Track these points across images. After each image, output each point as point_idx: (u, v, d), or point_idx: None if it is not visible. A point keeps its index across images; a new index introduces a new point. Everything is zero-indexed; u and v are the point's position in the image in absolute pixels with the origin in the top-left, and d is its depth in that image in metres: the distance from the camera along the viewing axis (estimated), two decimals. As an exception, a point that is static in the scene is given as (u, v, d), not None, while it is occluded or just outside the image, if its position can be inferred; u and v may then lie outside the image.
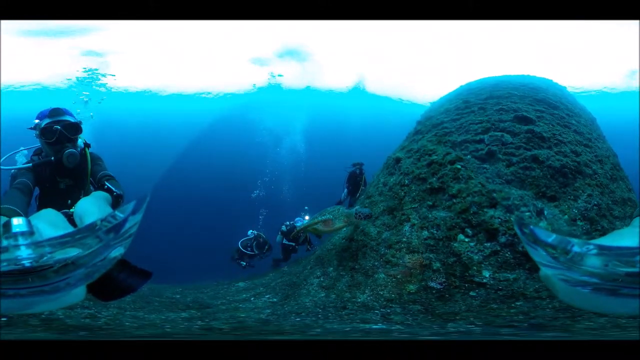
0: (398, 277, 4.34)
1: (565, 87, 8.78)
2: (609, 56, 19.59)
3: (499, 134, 5.65)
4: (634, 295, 0.67)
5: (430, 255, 4.40)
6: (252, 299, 5.37)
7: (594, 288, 0.69)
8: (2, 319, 3.08)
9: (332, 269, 5.12)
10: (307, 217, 10.09)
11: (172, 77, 23.90)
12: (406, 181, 5.39)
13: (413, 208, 4.97)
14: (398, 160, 6.00)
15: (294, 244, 9.61)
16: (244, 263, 9.99)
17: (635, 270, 0.64)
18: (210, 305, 4.94)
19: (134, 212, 0.72)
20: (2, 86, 19.97)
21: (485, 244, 4.40)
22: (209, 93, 26.31)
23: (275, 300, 5.04)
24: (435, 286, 4.06)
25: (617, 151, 6.67)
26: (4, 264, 0.61)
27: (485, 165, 5.29)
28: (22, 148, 3.28)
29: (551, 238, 0.71)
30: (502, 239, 4.36)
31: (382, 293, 4.27)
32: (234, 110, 27.55)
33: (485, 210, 4.61)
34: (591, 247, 0.68)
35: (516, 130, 5.71)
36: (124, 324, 3.40)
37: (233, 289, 6.60)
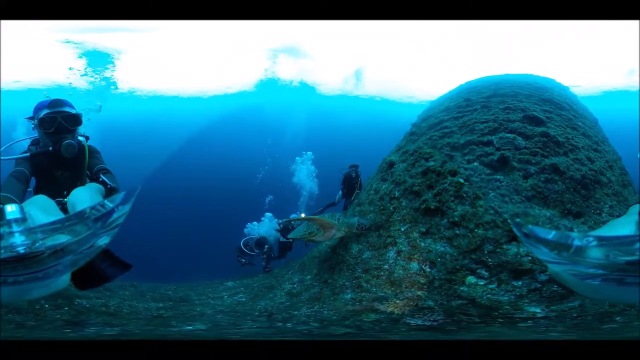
0: (362, 305, 3.60)
1: (567, 87, 8.34)
2: (606, 55, 19.43)
3: (511, 135, 4.76)
4: (637, 284, 0.65)
5: (419, 293, 3.43)
6: (225, 297, 5.67)
7: (603, 279, 0.68)
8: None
9: (310, 277, 4.98)
10: (302, 215, 10.10)
11: (170, 77, 24.08)
12: (396, 193, 4.45)
13: (402, 231, 4.03)
14: (391, 165, 5.11)
15: (291, 240, 9.62)
16: (243, 260, 10.07)
17: (636, 258, 0.63)
18: (187, 300, 5.40)
19: (122, 203, 0.73)
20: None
21: (514, 283, 3.32)
22: (205, 93, 26.49)
23: (243, 300, 5.32)
24: (417, 322, 3.14)
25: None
26: (1, 251, 0.62)
27: (497, 177, 4.24)
28: (13, 142, 3.30)
29: (551, 235, 0.70)
30: (542, 277, 3.28)
31: (326, 313, 3.71)
32: (231, 110, 27.65)
33: (505, 247, 3.49)
34: (591, 239, 0.67)
35: (528, 132, 4.83)
36: (122, 310, 4.31)
37: (221, 287, 6.77)
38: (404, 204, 4.30)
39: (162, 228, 20.15)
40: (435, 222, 3.90)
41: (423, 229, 3.93)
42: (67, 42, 17.95)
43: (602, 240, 0.67)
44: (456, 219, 3.75)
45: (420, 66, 22.09)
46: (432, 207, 3.95)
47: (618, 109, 19.69)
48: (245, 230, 10.40)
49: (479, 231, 3.60)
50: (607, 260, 0.66)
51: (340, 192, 9.75)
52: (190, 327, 3.61)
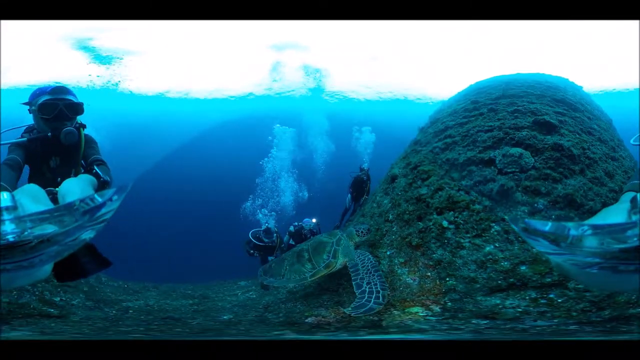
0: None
1: (581, 87, 8.04)
2: (619, 55, 19.30)
3: (516, 151, 4.20)
4: (631, 271, 0.67)
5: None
6: (239, 293, 6.40)
7: (599, 267, 0.69)
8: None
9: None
10: (314, 220, 10.24)
11: (170, 77, 24.33)
12: (390, 216, 4.33)
13: (387, 255, 4.01)
14: (394, 179, 4.87)
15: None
16: (253, 251, 10.12)
17: (628, 245, 0.65)
18: (209, 297, 6.20)
19: (111, 199, 0.73)
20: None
21: (474, 321, 3.02)
22: (208, 91, 26.57)
23: (254, 296, 6.00)
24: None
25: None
26: None
27: (496, 213, 3.85)
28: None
29: (548, 226, 0.71)
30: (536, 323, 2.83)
31: (299, 307, 4.06)
32: (232, 112, 27.84)
33: (479, 298, 3.18)
34: (586, 227, 0.68)
35: (539, 145, 4.31)
36: (165, 307, 5.06)
37: (235, 286, 7.36)
38: (394, 229, 4.20)
39: (167, 228, 20.31)
40: (415, 255, 3.76)
41: (402, 260, 3.83)
42: (65, 38, 18.28)
43: (596, 229, 0.68)
44: (432, 261, 3.53)
45: (438, 65, 22.06)
46: (414, 243, 3.82)
47: (630, 108, 19.55)
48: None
49: (450, 281, 3.33)
50: (601, 249, 0.67)
51: (349, 196, 9.78)
52: (226, 317, 4.34)
